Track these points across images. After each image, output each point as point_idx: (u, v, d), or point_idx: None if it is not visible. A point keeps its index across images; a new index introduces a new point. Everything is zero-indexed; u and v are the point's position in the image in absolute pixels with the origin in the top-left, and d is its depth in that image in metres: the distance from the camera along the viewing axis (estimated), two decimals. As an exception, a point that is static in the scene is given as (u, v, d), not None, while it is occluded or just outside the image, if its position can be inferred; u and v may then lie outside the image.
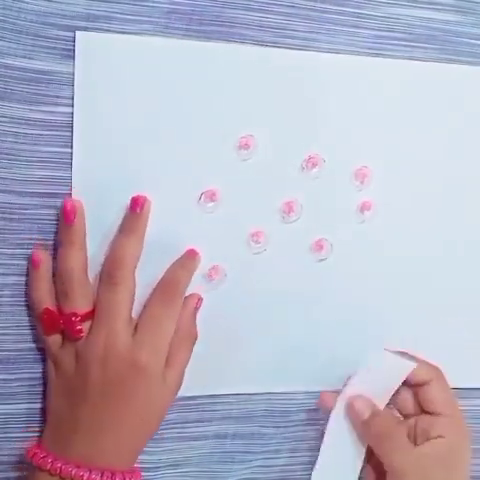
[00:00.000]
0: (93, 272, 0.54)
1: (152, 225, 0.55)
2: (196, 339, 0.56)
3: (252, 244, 0.58)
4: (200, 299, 0.57)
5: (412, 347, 0.62)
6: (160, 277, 0.56)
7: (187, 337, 0.56)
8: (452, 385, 0.64)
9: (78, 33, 0.52)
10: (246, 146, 0.56)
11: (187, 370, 0.56)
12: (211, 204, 0.57)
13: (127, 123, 0.54)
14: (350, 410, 0.53)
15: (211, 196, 0.56)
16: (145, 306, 0.55)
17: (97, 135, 0.54)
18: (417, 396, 0.55)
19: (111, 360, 0.51)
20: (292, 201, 0.58)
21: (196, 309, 0.56)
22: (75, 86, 0.53)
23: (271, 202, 0.58)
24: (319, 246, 0.59)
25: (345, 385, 0.55)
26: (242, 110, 0.56)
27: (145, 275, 0.55)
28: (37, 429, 0.57)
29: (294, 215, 0.58)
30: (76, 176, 0.54)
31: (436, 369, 0.55)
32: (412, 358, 0.54)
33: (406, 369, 0.53)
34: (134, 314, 0.55)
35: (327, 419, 0.54)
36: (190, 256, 0.56)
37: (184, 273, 0.55)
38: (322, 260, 0.60)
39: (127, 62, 0.54)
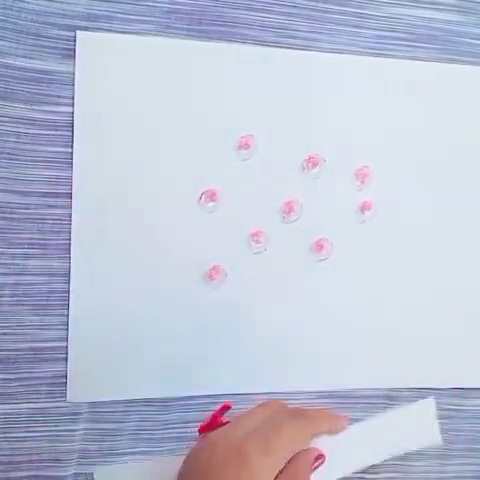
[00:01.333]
0: (93, 272, 0.55)
1: (153, 225, 0.55)
2: None
3: (252, 244, 0.58)
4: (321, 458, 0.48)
5: (412, 347, 0.63)
6: (160, 277, 0.56)
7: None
8: (452, 385, 0.64)
9: (79, 33, 0.52)
10: (246, 146, 0.56)
11: (187, 370, 0.56)
12: (211, 204, 0.57)
13: (127, 123, 0.54)
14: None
15: (211, 196, 0.56)
16: None
17: (97, 135, 0.54)
18: None
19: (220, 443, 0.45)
20: (292, 201, 0.58)
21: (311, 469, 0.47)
22: (76, 86, 0.53)
23: (271, 202, 0.58)
24: (319, 246, 0.59)
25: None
26: (242, 110, 0.56)
27: (145, 275, 0.55)
28: (37, 429, 0.57)
29: (294, 215, 0.58)
30: (77, 176, 0.54)
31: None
32: None
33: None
34: (133, 312, 0.55)
35: None
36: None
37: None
38: (322, 260, 0.60)
39: (127, 62, 0.54)
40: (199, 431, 0.48)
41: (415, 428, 0.50)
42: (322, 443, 0.47)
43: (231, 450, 0.43)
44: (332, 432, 0.48)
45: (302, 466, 0.45)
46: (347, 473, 0.48)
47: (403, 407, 0.50)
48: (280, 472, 0.43)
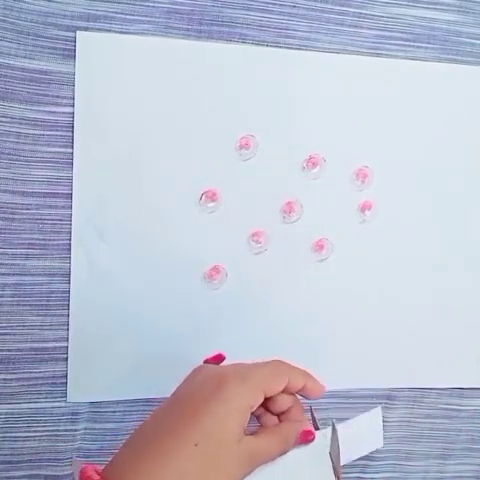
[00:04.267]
0: (94, 272, 0.55)
1: (153, 225, 0.55)
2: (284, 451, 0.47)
3: (253, 244, 0.58)
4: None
5: (412, 347, 0.63)
6: (160, 277, 0.56)
7: (287, 433, 0.47)
8: (452, 385, 0.64)
9: (79, 33, 0.52)
10: (246, 146, 0.56)
11: (187, 369, 0.56)
12: (212, 204, 0.57)
13: (127, 123, 0.54)
14: None
15: (212, 196, 0.56)
16: None
17: (97, 135, 0.54)
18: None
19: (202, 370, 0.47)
20: (293, 201, 0.58)
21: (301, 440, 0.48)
22: (76, 86, 0.53)
23: (272, 202, 0.58)
24: (320, 246, 0.59)
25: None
26: (243, 110, 0.56)
27: (145, 275, 0.55)
28: (37, 429, 0.57)
29: (295, 215, 0.58)
30: (77, 176, 0.54)
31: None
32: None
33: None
34: (133, 312, 0.55)
35: None
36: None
37: None
38: (323, 260, 0.60)
39: (127, 62, 0.54)
40: None
41: (366, 435, 0.51)
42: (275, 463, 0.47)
43: (213, 374, 0.45)
44: (307, 389, 0.48)
45: (289, 431, 0.46)
46: None
47: (355, 417, 0.50)
48: (267, 428, 0.46)
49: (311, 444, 0.48)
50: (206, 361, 0.50)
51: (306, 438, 0.47)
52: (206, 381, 0.45)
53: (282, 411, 0.47)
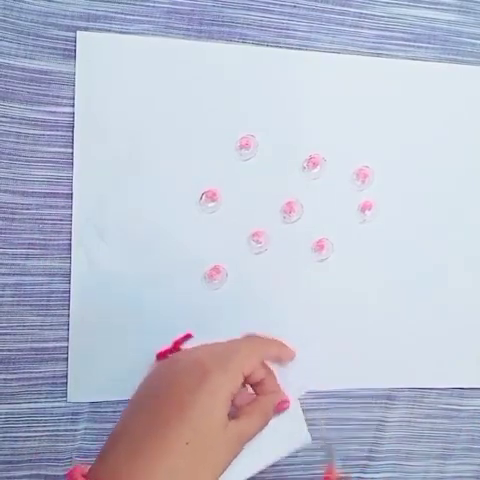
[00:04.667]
0: (94, 272, 0.55)
1: (153, 225, 0.55)
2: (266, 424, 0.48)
3: (253, 244, 0.58)
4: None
5: (412, 347, 0.62)
6: (161, 276, 0.56)
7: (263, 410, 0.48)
8: (453, 385, 0.64)
9: (79, 33, 0.52)
10: (247, 146, 0.56)
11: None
12: (212, 204, 0.57)
13: (127, 123, 0.54)
14: None
15: (212, 196, 0.56)
16: None
17: (97, 135, 0.54)
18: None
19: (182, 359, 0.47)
20: (293, 201, 0.58)
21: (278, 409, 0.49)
22: (76, 86, 0.53)
23: (272, 202, 0.58)
24: (320, 246, 0.59)
25: None
26: (243, 110, 0.56)
27: (146, 275, 0.55)
28: (37, 429, 0.57)
29: (295, 215, 0.58)
30: (77, 176, 0.54)
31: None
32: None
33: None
34: (133, 312, 0.55)
35: None
36: None
37: None
38: (323, 260, 0.60)
39: (127, 62, 0.54)
40: (157, 356, 0.50)
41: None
42: None
43: (193, 364, 0.45)
44: (280, 358, 0.50)
45: (267, 405, 0.48)
46: None
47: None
48: (247, 404, 0.46)
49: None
50: (175, 342, 0.50)
51: (282, 407, 0.49)
52: (187, 372, 0.44)
53: (256, 383, 0.48)
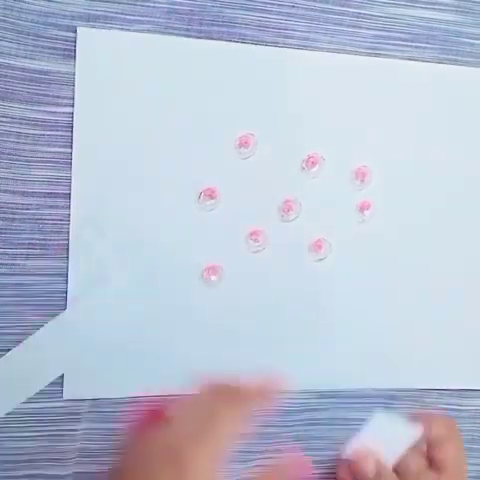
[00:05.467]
0: (92, 272, 0.55)
1: (152, 224, 0.55)
2: None
3: (251, 243, 0.58)
4: None
5: (412, 347, 0.62)
6: (159, 275, 0.56)
7: None
8: (452, 387, 0.64)
9: (80, 29, 0.52)
10: (246, 144, 0.56)
11: (186, 368, 0.56)
12: (210, 202, 0.57)
13: (127, 122, 0.55)
14: (355, 469, 0.53)
15: (211, 194, 0.56)
16: None
17: (97, 135, 0.54)
18: (429, 452, 0.54)
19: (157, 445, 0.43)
20: (291, 200, 0.58)
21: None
22: (76, 84, 0.53)
23: (270, 201, 0.58)
24: (318, 245, 0.59)
25: (348, 445, 0.55)
26: (242, 108, 0.57)
27: (144, 274, 0.55)
28: (37, 429, 0.57)
29: (293, 214, 0.58)
30: (76, 176, 0.54)
31: (452, 425, 0.55)
32: (427, 418, 0.54)
33: (412, 437, 0.53)
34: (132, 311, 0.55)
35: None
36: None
37: None
38: (321, 259, 0.60)
39: (127, 60, 0.54)
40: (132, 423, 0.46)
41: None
42: None
43: (169, 454, 0.41)
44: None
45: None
46: None
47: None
48: None
49: None
50: (146, 416, 0.45)
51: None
52: (163, 466, 0.40)
53: None
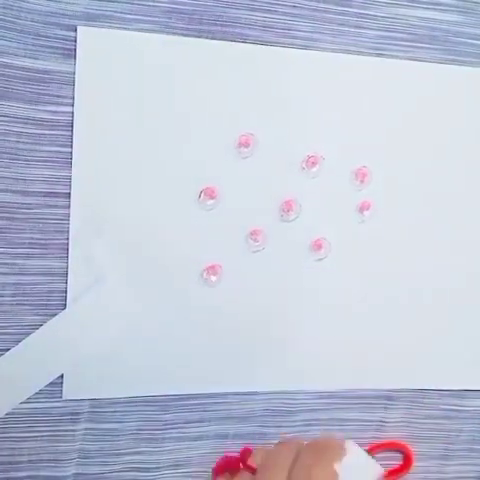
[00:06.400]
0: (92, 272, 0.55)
1: (152, 223, 0.55)
2: None
3: (251, 242, 0.58)
4: None
5: (412, 347, 0.62)
6: (158, 275, 0.56)
7: None
8: (453, 387, 0.64)
9: (80, 28, 0.52)
10: (246, 144, 0.56)
11: (187, 368, 0.56)
12: (210, 202, 0.57)
13: (127, 122, 0.54)
14: None
15: (210, 194, 0.56)
16: None
17: (97, 134, 0.54)
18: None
19: None
20: (291, 200, 0.58)
21: None
22: (76, 83, 0.53)
23: (270, 200, 0.58)
24: (318, 245, 0.59)
25: None
26: (242, 108, 0.56)
27: (144, 273, 0.55)
28: (37, 429, 0.57)
29: (293, 214, 0.58)
30: (75, 175, 0.54)
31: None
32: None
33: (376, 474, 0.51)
34: (131, 310, 0.55)
35: None
36: None
37: None
38: (321, 259, 0.60)
39: (128, 59, 0.54)
40: (214, 471, 0.49)
41: None
42: None
43: None
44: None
45: None
46: None
47: None
48: None
49: None
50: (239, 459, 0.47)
51: None
52: None
53: None
